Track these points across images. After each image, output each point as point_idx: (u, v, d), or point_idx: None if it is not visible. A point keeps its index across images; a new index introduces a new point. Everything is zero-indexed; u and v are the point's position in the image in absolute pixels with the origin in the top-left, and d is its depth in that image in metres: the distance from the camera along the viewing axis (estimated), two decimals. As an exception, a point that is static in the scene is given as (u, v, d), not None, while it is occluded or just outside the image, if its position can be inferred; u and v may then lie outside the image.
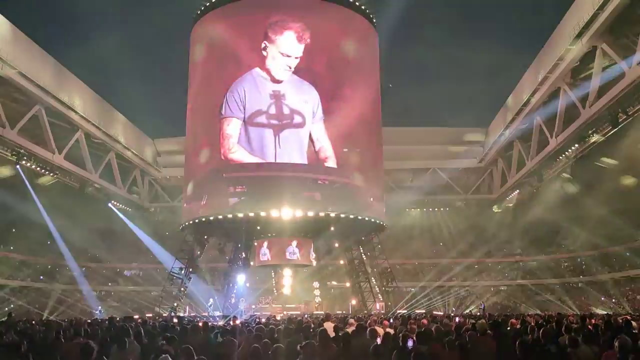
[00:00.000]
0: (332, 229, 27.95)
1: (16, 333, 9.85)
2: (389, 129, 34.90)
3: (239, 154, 26.78)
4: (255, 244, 30.16)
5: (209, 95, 28.75)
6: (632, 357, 5.31)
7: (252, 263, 31.13)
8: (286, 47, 27.06)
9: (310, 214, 26.47)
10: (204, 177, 28.24)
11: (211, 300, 31.60)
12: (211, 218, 27.17)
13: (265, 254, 29.05)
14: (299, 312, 28.64)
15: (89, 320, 15.99)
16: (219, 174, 27.27)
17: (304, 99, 27.31)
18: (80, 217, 36.98)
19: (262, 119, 26.73)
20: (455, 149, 44.03)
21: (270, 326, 10.32)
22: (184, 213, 30.85)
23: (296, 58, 27.09)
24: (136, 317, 20.00)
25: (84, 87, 34.38)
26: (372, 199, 29.26)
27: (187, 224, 29.20)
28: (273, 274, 34.12)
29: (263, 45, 26.99)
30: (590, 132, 28.62)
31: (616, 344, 5.46)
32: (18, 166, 30.56)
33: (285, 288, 31.01)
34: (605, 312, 26.98)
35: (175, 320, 17.05)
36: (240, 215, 26.34)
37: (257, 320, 15.23)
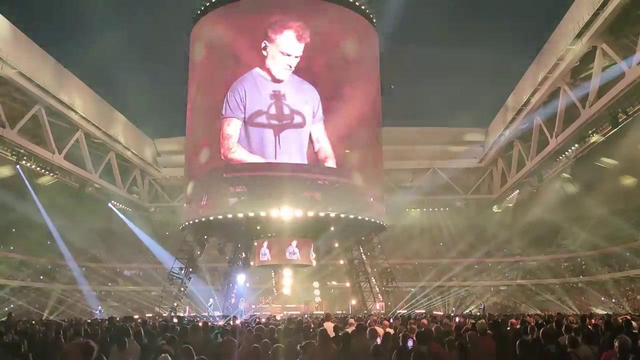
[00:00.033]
0: (332, 229, 27.90)
1: (16, 333, 9.84)
2: (389, 129, 34.91)
3: (239, 154, 26.78)
4: (255, 244, 30.13)
5: (209, 95, 28.73)
6: (632, 357, 5.30)
7: (252, 263, 31.11)
8: (286, 46, 27.05)
9: (310, 214, 26.45)
10: (204, 177, 28.22)
11: (211, 300, 31.62)
12: (211, 218, 27.16)
13: (265, 254, 29.01)
14: (299, 312, 28.66)
15: (89, 320, 16.01)
16: (219, 174, 27.26)
17: (305, 99, 27.32)
18: (80, 217, 37.05)
19: (262, 119, 26.72)
20: (455, 149, 44.05)
21: (270, 326, 10.34)
22: (184, 213, 30.85)
23: (296, 57, 27.09)
24: (136, 317, 20.05)
25: (84, 87, 34.40)
26: (372, 199, 29.25)
27: (187, 224, 29.19)
28: (273, 274, 34.08)
29: (263, 44, 26.98)
30: (590, 132, 28.59)
31: (616, 344, 5.45)
32: (18, 166, 30.55)
33: (285, 288, 30.96)
34: (605, 312, 27.03)
35: (175, 320, 17.05)
36: (240, 215, 26.34)
37: (257, 320, 15.24)
